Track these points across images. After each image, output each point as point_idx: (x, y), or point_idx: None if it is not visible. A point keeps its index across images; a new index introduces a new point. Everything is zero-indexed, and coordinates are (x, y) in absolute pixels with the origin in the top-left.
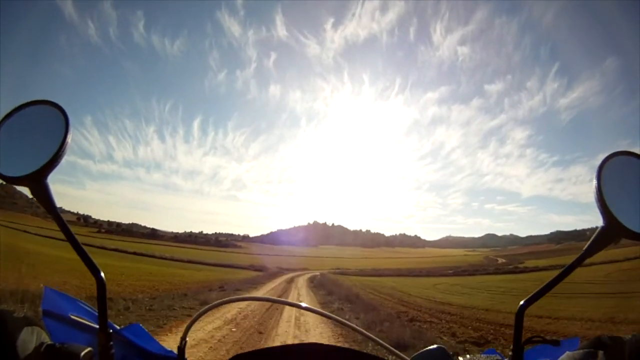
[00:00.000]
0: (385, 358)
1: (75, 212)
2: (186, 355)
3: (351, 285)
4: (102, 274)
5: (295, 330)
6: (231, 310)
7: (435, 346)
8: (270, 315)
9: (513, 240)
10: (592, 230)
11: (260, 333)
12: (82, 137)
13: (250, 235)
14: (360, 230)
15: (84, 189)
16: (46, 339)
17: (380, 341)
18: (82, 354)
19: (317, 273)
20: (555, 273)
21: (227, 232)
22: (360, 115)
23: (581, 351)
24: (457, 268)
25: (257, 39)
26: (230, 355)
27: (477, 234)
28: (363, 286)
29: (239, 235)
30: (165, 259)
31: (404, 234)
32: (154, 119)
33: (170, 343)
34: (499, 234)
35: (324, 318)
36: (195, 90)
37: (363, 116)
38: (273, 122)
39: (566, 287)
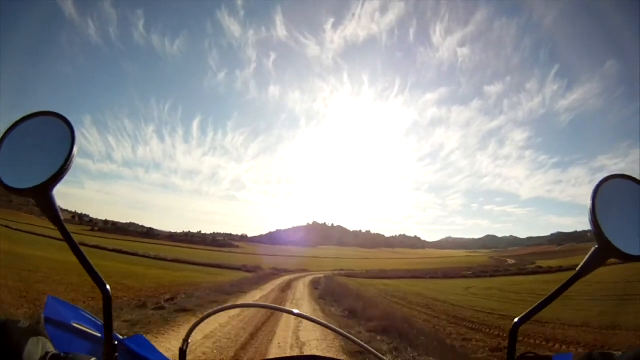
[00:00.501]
0: None
1: (73, 211)
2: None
3: (373, 294)
4: (108, 287)
5: None
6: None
7: None
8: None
9: (513, 241)
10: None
11: None
12: (81, 137)
13: (249, 235)
14: (360, 231)
15: (83, 188)
16: (51, 349)
17: (380, 354)
18: None
19: (321, 275)
20: (569, 274)
21: (225, 232)
22: (359, 116)
23: None
24: (469, 269)
25: (257, 39)
26: None
27: (477, 235)
28: (382, 293)
29: (237, 235)
30: (147, 257)
31: (404, 235)
32: (153, 119)
33: None
34: (499, 235)
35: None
36: (195, 90)
37: (362, 117)
38: (272, 122)
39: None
